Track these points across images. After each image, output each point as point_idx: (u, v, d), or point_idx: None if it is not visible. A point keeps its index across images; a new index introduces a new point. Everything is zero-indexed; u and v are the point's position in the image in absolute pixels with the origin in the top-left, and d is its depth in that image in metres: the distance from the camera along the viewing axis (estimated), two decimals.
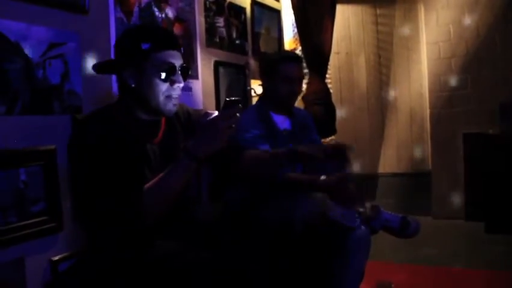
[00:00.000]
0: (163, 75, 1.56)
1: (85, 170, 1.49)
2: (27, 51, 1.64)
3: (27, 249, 1.60)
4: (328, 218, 1.98)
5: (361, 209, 2.11)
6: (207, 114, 1.52)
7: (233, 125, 1.46)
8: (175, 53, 1.61)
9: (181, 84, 1.62)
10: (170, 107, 1.61)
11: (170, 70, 1.57)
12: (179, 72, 1.60)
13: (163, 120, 1.71)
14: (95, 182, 1.46)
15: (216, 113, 1.49)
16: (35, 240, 1.63)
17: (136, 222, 1.42)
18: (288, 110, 2.45)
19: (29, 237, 1.60)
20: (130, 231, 1.44)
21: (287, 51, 2.64)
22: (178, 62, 1.60)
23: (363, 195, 2.18)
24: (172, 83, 1.59)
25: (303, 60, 2.43)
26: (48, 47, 1.72)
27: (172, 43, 1.62)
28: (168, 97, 1.59)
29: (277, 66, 2.36)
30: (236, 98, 1.50)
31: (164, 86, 1.57)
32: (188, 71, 1.68)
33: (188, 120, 1.81)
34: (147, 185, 1.46)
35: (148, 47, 1.55)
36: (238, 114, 1.47)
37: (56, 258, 1.70)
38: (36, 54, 1.68)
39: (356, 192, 2.10)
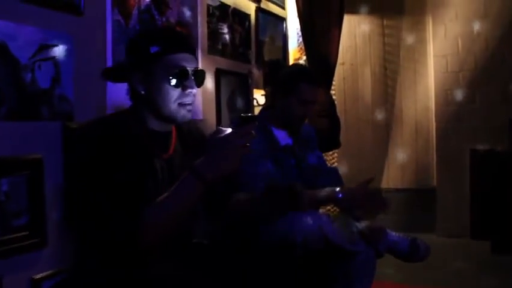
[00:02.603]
0: (174, 80, 1.43)
1: (85, 180, 1.37)
2: (15, 52, 1.54)
3: (6, 266, 1.48)
4: (330, 241, 1.87)
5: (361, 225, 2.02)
6: (219, 130, 1.37)
7: (247, 144, 1.33)
8: (188, 55, 1.47)
9: (194, 90, 1.48)
10: (184, 114, 1.48)
11: (182, 74, 1.44)
12: (193, 77, 1.47)
13: (174, 133, 1.58)
14: (93, 196, 1.33)
15: (229, 130, 1.35)
16: (16, 256, 1.51)
17: (132, 244, 1.29)
18: (295, 130, 2.31)
19: (8, 254, 1.49)
20: (124, 251, 1.31)
21: (305, 68, 2.44)
22: (191, 65, 1.47)
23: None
24: (184, 88, 1.45)
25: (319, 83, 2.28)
26: (38, 48, 1.62)
27: (184, 45, 1.49)
28: (181, 104, 1.46)
29: (297, 85, 2.17)
30: (252, 115, 1.38)
31: (175, 92, 1.44)
32: (204, 76, 1.55)
33: (201, 140, 1.66)
34: (149, 206, 1.33)
35: (157, 49, 1.43)
36: (253, 132, 1.33)
37: (39, 276, 1.59)
38: (25, 55, 1.58)
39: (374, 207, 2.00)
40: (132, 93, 1.51)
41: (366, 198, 1.97)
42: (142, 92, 1.46)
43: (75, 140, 1.60)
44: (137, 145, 1.43)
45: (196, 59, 1.53)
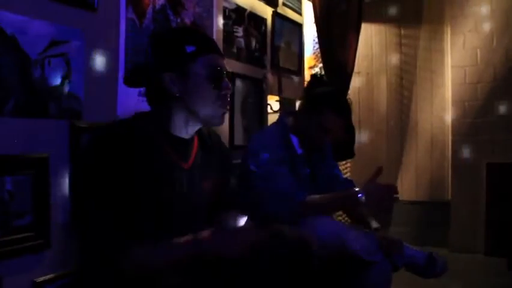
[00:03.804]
0: (212, 80, 1.38)
1: (94, 191, 1.28)
2: (25, 46, 1.49)
3: (7, 268, 1.42)
4: (347, 249, 1.80)
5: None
6: (235, 216, 1.34)
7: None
8: (219, 56, 1.45)
9: (230, 91, 1.45)
10: (220, 117, 1.44)
11: (219, 75, 1.40)
12: (226, 78, 1.44)
13: (195, 142, 1.51)
14: (101, 209, 1.26)
15: (244, 219, 1.37)
16: (18, 258, 1.45)
17: (116, 267, 1.24)
18: (310, 149, 2.23)
19: (10, 255, 1.42)
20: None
21: (337, 93, 2.28)
22: (223, 66, 1.44)
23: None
24: (222, 89, 1.41)
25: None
26: (49, 43, 1.57)
27: (216, 46, 1.47)
28: (219, 106, 1.42)
29: (323, 110, 2.09)
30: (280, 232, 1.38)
31: (213, 93, 1.40)
32: (230, 79, 1.53)
33: (219, 151, 1.61)
34: (147, 247, 1.26)
35: (193, 49, 1.38)
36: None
37: (41, 279, 1.52)
38: (35, 50, 1.52)
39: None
40: (158, 96, 1.42)
41: (383, 193, 1.92)
42: (177, 94, 1.38)
43: (87, 144, 1.54)
44: (156, 152, 1.36)
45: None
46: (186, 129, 1.44)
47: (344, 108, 2.15)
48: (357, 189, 1.91)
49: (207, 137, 1.56)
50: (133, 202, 1.26)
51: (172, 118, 1.41)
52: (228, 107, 1.47)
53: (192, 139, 1.49)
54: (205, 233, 1.28)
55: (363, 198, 1.88)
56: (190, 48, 1.38)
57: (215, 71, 1.40)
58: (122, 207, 1.25)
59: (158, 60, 1.42)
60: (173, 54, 1.39)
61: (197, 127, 1.47)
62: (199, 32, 1.60)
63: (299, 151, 2.17)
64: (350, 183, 2.36)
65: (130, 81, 1.52)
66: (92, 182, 1.29)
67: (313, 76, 2.42)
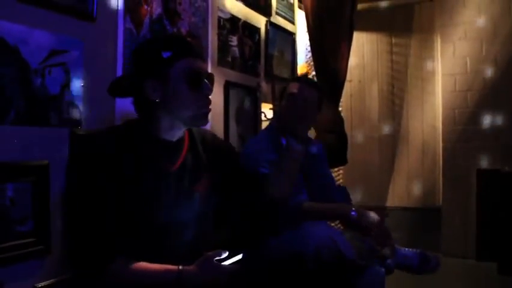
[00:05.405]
0: (190, 83, 1.43)
1: (83, 198, 1.38)
2: (26, 56, 1.51)
3: (8, 274, 1.44)
4: (341, 253, 1.83)
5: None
6: (217, 254, 1.39)
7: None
8: (198, 60, 1.49)
9: (211, 92, 1.49)
10: (203, 118, 1.49)
11: (197, 77, 1.45)
12: (206, 80, 1.47)
13: (186, 142, 1.56)
14: (89, 216, 1.35)
15: (225, 254, 1.39)
16: (19, 264, 1.47)
17: (98, 272, 1.34)
18: (294, 134, 2.28)
19: (12, 261, 1.44)
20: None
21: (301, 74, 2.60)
22: (202, 69, 1.49)
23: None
24: (201, 91, 1.46)
25: (318, 88, 2.29)
26: (49, 53, 1.59)
27: (194, 50, 1.51)
28: (199, 107, 1.47)
29: (287, 86, 2.30)
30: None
31: (193, 96, 1.45)
32: (213, 80, 1.55)
33: (214, 151, 1.64)
34: (131, 264, 1.33)
35: (169, 54, 1.42)
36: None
37: (41, 285, 1.54)
38: (36, 60, 1.55)
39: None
40: (142, 103, 1.48)
41: (377, 225, 2.00)
42: (157, 100, 1.43)
43: (79, 153, 1.59)
44: (143, 158, 1.42)
45: (205, 64, 1.54)
46: (172, 132, 1.49)
47: (303, 77, 2.45)
48: (353, 208, 1.99)
49: (197, 138, 1.60)
50: (120, 209, 1.34)
51: (158, 123, 1.47)
52: (210, 107, 1.49)
53: (180, 141, 1.53)
54: (189, 268, 1.34)
55: (355, 216, 1.98)
56: (166, 54, 1.42)
57: (192, 74, 1.44)
58: (110, 214, 1.33)
59: (138, 68, 1.49)
60: (151, 62, 1.44)
61: (183, 129, 1.52)
62: (176, 37, 1.66)
63: None
64: (343, 191, 2.41)
65: (114, 92, 1.58)
66: (81, 191, 1.37)
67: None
